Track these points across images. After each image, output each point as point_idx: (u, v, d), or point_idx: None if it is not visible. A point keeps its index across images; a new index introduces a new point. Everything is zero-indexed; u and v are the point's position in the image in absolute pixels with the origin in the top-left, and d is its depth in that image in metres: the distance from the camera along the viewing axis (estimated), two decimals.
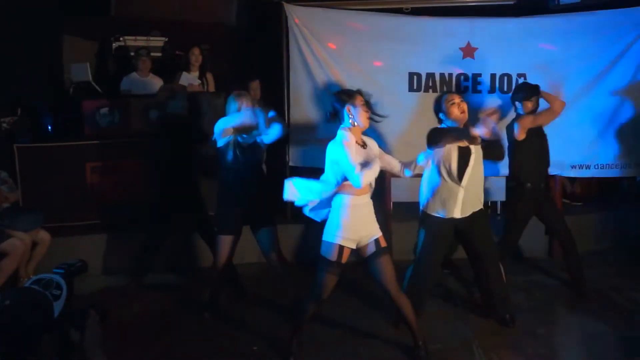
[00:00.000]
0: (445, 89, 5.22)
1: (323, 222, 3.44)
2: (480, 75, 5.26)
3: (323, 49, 5.29)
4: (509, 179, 4.53)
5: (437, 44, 5.27)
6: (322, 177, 3.38)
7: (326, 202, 3.38)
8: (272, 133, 3.91)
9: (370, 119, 3.40)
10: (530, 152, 4.30)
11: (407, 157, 3.74)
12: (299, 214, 3.65)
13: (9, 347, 1.73)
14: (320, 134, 5.06)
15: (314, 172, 3.62)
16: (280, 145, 4.89)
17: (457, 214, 3.80)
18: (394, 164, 3.59)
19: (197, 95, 5.41)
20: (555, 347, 3.92)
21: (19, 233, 4.54)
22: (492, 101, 5.18)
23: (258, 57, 6.43)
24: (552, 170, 4.77)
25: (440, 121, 3.90)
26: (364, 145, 3.37)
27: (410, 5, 5.67)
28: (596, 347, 3.79)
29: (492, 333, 3.92)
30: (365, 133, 3.46)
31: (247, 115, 3.86)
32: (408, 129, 5.19)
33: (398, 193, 5.37)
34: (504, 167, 4.62)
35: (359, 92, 3.42)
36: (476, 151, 3.77)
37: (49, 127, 5.85)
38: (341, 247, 3.31)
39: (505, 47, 5.22)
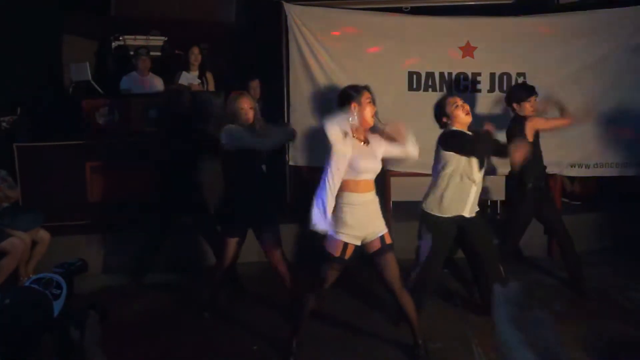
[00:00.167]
0: (445, 88, 5.23)
1: None
2: (479, 74, 5.26)
3: (322, 48, 5.28)
4: (508, 178, 4.51)
5: (436, 43, 5.27)
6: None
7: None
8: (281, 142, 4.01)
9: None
10: (532, 152, 4.30)
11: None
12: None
13: (9, 346, 1.73)
14: (320, 133, 5.04)
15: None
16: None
17: (467, 212, 3.80)
18: (404, 150, 3.47)
19: (200, 95, 5.40)
20: None
21: (18, 232, 4.55)
22: (492, 101, 5.19)
23: (258, 57, 6.44)
24: (551, 169, 4.77)
25: (442, 125, 3.87)
26: (365, 141, 3.35)
27: (409, 4, 5.68)
28: (596, 347, 3.78)
29: (492, 333, 3.90)
30: None
31: (264, 144, 3.92)
32: (408, 128, 5.17)
33: (398, 193, 5.36)
34: (503, 166, 4.61)
35: (367, 87, 3.40)
36: None
37: (49, 127, 5.84)
38: (345, 244, 3.31)
39: (505, 46, 5.22)
